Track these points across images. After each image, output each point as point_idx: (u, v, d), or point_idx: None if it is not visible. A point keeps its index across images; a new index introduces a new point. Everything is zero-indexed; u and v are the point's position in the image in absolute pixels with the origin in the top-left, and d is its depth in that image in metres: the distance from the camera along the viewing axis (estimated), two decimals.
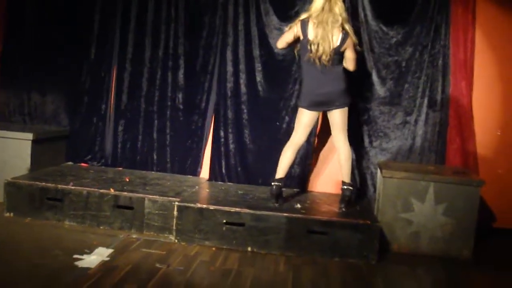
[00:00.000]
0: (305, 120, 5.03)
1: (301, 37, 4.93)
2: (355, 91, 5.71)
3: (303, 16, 4.95)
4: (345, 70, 5.02)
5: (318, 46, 4.81)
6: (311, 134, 5.66)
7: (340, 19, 4.88)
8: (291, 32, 4.98)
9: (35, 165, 5.72)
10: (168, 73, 6.08)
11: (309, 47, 4.84)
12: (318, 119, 5.36)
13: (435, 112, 5.68)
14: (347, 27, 4.93)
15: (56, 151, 6.17)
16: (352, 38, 4.96)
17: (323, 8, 4.86)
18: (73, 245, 4.53)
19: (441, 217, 4.94)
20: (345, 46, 4.92)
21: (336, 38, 4.86)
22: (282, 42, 5.10)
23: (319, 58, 4.83)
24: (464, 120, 5.68)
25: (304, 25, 4.90)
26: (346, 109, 5.03)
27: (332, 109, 5.00)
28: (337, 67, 4.94)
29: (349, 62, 5.04)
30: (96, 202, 5.08)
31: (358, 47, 5.12)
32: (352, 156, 5.63)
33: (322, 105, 4.98)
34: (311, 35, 4.85)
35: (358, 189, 5.65)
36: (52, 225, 5.05)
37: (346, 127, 5.06)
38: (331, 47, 4.83)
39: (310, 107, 4.99)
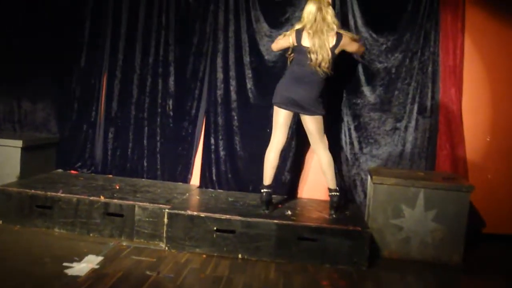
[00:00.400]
0: (280, 120, 5.02)
1: (295, 43, 4.95)
2: (345, 98, 5.76)
3: (297, 26, 4.97)
4: (327, 82, 5.02)
5: (317, 54, 4.83)
6: (301, 140, 5.70)
7: (334, 27, 4.93)
8: (286, 41, 5.02)
9: (25, 172, 5.70)
10: (158, 80, 6.07)
11: (308, 55, 4.86)
12: (295, 120, 5.36)
13: (425, 119, 5.70)
14: (341, 31, 4.97)
15: (46, 159, 6.15)
16: (348, 35, 5.02)
17: (315, 19, 4.89)
18: (63, 252, 4.51)
19: (431, 223, 4.96)
20: (341, 45, 4.95)
21: (331, 43, 4.90)
22: (277, 46, 5.18)
23: (319, 66, 4.86)
24: (454, 126, 5.70)
25: (299, 34, 4.92)
26: (319, 118, 5.02)
27: (305, 115, 5.01)
28: (322, 77, 4.94)
29: (356, 51, 5.27)
30: (86, 210, 5.05)
31: (356, 36, 5.21)
32: (343, 163, 5.68)
33: (294, 105, 4.96)
34: (307, 43, 4.88)
35: (345, 194, 5.66)
36: (42, 232, 5.02)
37: (322, 135, 5.07)
38: (329, 54, 4.86)
39: (283, 104, 4.98)
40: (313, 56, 4.85)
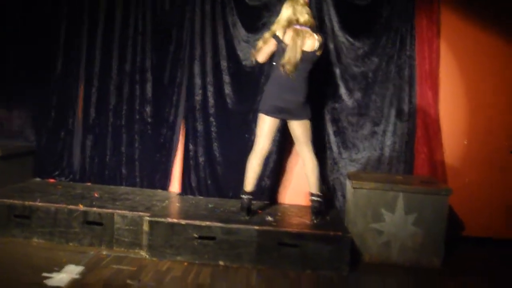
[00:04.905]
0: (266, 128, 5.03)
1: (276, 47, 4.95)
2: (323, 103, 5.79)
3: (275, 27, 4.97)
4: (309, 86, 5.04)
5: (292, 55, 4.83)
6: (281, 146, 5.73)
7: (311, 25, 4.96)
8: (271, 45, 4.99)
9: (1, 181, 5.63)
10: (136, 87, 6.04)
11: (284, 55, 4.86)
12: (280, 127, 5.35)
13: (403, 122, 5.75)
14: (319, 35, 4.99)
15: (23, 167, 6.08)
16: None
17: (292, 19, 4.91)
18: (42, 263, 4.46)
19: (411, 227, 5.00)
20: (320, 52, 4.99)
21: (311, 44, 4.91)
22: (263, 55, 5.11)
23: (294, 67, 4.85)
24: (431, 130, 5.76)
25: (278, 36, 4.91)
26: (306, 122, 5.05)
27: (291, 120, 5.03)
28: (304, 80, 4.96)
29: None
30: (64, 219, 5.01)
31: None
32: (322, 167, 5.69)
33: (282, 112, 4.97)
34: (286, 44, 4.88)
35: (327, 200, 5.67)
36: (20, 243, 4.96)
37: (309, 140, 5.08)
38: (296, 57, 4.84)
39: (270, 112, 4.98)
40: (288, 56, 4.83)
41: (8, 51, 6.18)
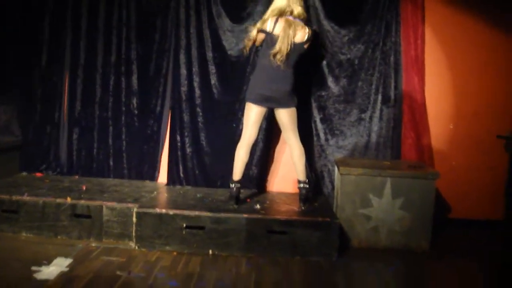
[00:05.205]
0: (253, 116, 5.05)
1: (266, 35, 4.97)
2: (310, 90, 5.81)
3: (268, 15, 4.98)
4: (296, 75, 5.07)
5: (283, 45, 4.85)
6: (267, 134, 5.76)
7: (303, 18, 5.00)
8: (262, 33, 5.00)
9: None
10: (121, 78, 6.04)
11: (276, 45, 4.87)
12: (266, 116, 5.37)
13: (389, 108, 5.79)
14: (309, 28, 5.02)
15: (9, 162, 6.06)
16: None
17: (285, 10, 4.93)
18: (31, 256, 4.46)
19: (398, 211, 5.04)
20: (307, 45, 5.01)
21: (301, 36, 4.94)
22: (250, 42, 5.16)
23: (274, 56, 4.87)
24: (418, 115, 5.80)
25: (270, 24, 4.93)
26: (293, 109, 5.07)
27: (278, 108, 5.06)
28: (291, 69, 4.99)
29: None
30: (52, 212, 5.00)
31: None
32: (310, 155, 5.72)
33: (269, 101, 5.00)
34: (277, 34, 4.89)
35: (314, 186, 5.72)
36: (8, 237, 4.94)
37: (295, 127, 5.11)
38: (288, 48, 4.87)
39: (257, 101, 5.01)
40: (279, 46, 4.85)
41: None
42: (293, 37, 4.90)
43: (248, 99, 5.07)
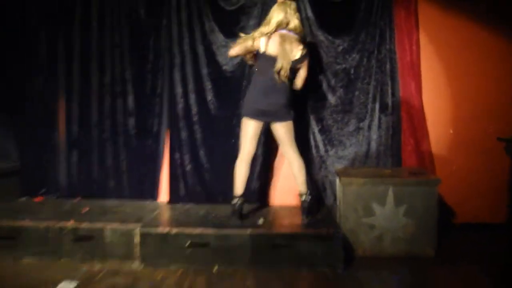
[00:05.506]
0: (250, 131, 5.06)
1: (261, 50, 4.96)
2: (307, 102, 5.82)
3: (265, 29, 4.97)
4: (291, 87, 5.08)
5: (284, 61, 4.87)
6: (267, 147, 5.78)
7: (300, 33, 5.01)
8: (250, 41, 4.98)
9: None
10: (117, 100, 6.05)
11: (277, 63, 4.89)
12: (264, 129, 5.31)
13: (387, 116, 5.81)
14: (304, 46, 5.02)
15: (9, 187, 6.05)
16: (308, 58, 5.07)
17: (282, 23, 4.94)
18: (35, 282, 4.43)
19: (402, 219, 5.04)
20: (303, 64, 5.02)
21: (295, 53, 4.95)
22: (238, 49, 5.06)
23: (278, 73, 4.89)
24: (416, 121, 5.81)
25: (264, 39, 4.93)
26: (289, 122, 5.08)
27: (275, 122, 5.06)
28: (286, 82, 4.99)
29: (300, 80, 5.13)
30: (55, 237, 4.97)
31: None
32: (310, 166, 5.72)
33: (265, 115, 5.01)
34: (272, 50, 4.91)
35: (317, 197, 5.70)
36: (10, 264, 4.90)
37: (293, 140, 5.11)
38: (289, 64, 4.90)
39: (253, 115, 5.01)
40: (277, 63, 4.88)
41: None
42: (291, 52, 4.91)
43: (244, 114, 5.08)
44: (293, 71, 5.02)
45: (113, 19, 6.01)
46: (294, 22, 4.98)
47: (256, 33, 5.00)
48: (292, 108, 5.10)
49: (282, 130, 5.07)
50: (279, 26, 4.95)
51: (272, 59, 4.92)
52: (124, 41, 6.02)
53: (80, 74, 6.07)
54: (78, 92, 6.09)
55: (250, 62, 5.26)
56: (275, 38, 4.92)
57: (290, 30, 4.97)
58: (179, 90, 5.92)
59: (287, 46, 4.90)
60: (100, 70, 6.06)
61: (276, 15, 4.98)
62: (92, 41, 6.05)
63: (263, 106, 4.97)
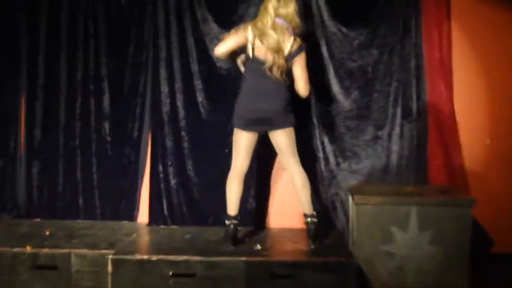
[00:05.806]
0: (242, 143, 5.05)
1: (250, 44, 4.94)
2: (315, 106, 5.80)
3: (254, 23, 4.98)
4: (290, 87, 5.05)
5: (272, 54, 4.86)
6: (265, 160, 5.77)
7: (292, 23, 4.97)
8: (241, 36, 4.95)
9: None
10: (90, 99, 6.04)
11: (262, 57, 4.89)
12: (259, 139, 5.28)
13: (411, 123, 5.78)
14: (295, 38, 4.98)
15: None
16: (304, 54, 5.02)
17: (274, 15, 4.91)
18: None
19: (428, 246, 4.99)
20: (296, 58, 4.96)
21: (288, 47, 4.91)
22: (222, 48, 5.00)
23: (270, 70, 4.88)
24: (446, 129, 5.78)
25: (255, 31, 4.91)
26: (290, 129, 5.05)
27: (272, 130, 5.04)
28: (283, 83, 4.97)
29: (301, 82, 5.02)
30: (8, 264, 4.91)
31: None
32: (319, 182, 5.68)
33: (259, 124, 5.00)
34: (265, 44, 4.89)
35: (325, 219, 5.68)
36: None
37: (294, 150, 5.09)
38: (284, 58, 4.88)
39: (245, 126, 5.00)
40: (268, 58, 4.87)
41: None
42: (283, 42, 4.88)
43: (235, 124, 5.07)
44: (289, 66, 4.98)
45: (88, 5, 6.01)
46: (288, 8, 4.94)
47: (243, 27, 5.02)
48: (292, 112, 5.07)
49: (283, 139, 5.04)
50: (271, 18, 4.90)
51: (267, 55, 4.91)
52: (100, 32, 6.02)
53: (46, 69, 6.06)
54: (43, 90, 6.07)
55: (242, 68, 5.21)
56: (267, 31, 4.89)
57: (279, 17, 4.92)
58: (164, 89, 5.93)
59: (278, 40, 4.87)
60: (70, 64, 6.05)
61: (267, 5, 4.95)
62: (61, 31, 6.03)
63: (256, 114, 4.95)
